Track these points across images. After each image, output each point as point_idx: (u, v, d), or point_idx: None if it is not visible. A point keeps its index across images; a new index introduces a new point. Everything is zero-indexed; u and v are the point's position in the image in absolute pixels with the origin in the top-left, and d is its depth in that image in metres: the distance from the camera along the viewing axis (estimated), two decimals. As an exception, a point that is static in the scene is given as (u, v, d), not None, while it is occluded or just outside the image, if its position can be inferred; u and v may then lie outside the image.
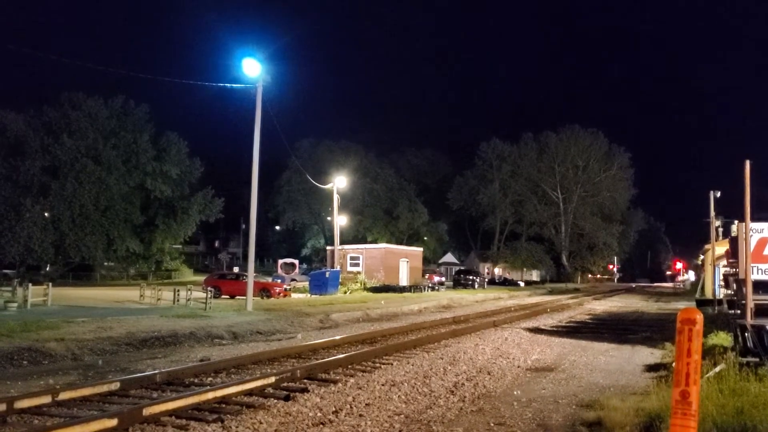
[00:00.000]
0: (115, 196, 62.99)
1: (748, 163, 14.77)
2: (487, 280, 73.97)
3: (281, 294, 37.32)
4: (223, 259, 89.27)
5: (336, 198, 50.50)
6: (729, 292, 25.48)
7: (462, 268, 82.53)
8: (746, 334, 13.34)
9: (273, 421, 8.38)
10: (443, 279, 70.57)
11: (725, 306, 25.49)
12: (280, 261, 57.88)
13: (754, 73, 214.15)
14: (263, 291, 36.55)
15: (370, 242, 73.79)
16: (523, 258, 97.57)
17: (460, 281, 64.48)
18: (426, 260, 77.35)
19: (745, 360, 11.79)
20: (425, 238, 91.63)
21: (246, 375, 11.70)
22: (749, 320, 13.79)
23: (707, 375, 10.13)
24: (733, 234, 23.04)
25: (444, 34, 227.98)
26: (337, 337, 17.58)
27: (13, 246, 57.18)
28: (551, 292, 61.98)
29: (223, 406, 9.16)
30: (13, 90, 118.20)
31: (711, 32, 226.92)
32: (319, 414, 8.85)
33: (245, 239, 62.64)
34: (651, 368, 13.89)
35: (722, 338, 14.46)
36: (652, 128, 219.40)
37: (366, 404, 9.54)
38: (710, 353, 12.53)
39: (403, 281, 55.92)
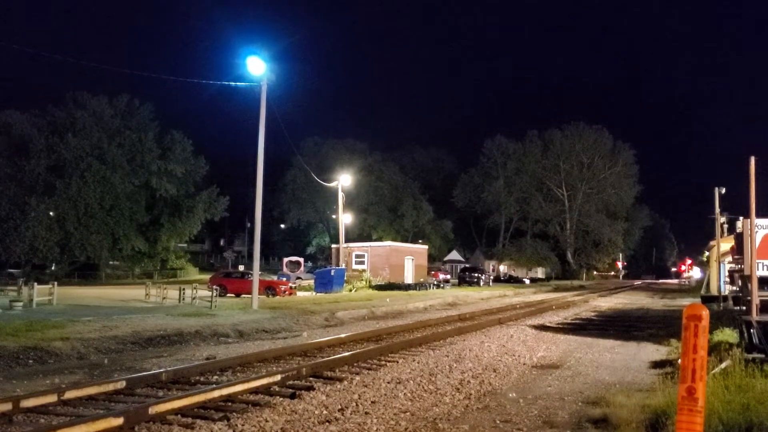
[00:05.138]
0: (120, 195, 63.10)
1: (753, 160, 14.75)
2: (492, 277, 73.86)
3: (286, 292, 37.36)
4: (229, 258, 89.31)
5: (341, 196, 50.54)
6: (734, 288, 25.46)
7: (467, 265, 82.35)
8: (752, 330, 13.33)
9: (279, 420, 8.38)
10: (448, 276, 70.41)
11: (730, 302, 25.48)
12: (285, 259, 57.93)
13: (759, 70, 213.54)
14: (268, 289, 36.60)
15: (375, 240, 73.72)
16: (528, 255, 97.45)
17: (465, 279, 64.38)
18: (431, 258, 77.21)
19: (750, 356, 11.76)
20: (430, 236, 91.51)
21: (252, 373, 11.72)
22: (755, 316, 13.78)
23: (713, 371, 10.11)
24: (738, 230, 22.97)
25: (448, 32, 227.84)
26: (343, 335, 17.60)
27: (19, 245, 57.39)
28: (556, 290, 61.90)
29: (229, 404, 9.17)
30: (17, 90, 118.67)
31: (713, 29, 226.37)
32: (325, 412, 8.86)
33: (250, 238, 62.63)
34: (657, 365, 13.87)
35: (728, 335, 14.42)
36: (657, 125, 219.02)
37: (372, 402, 9.55)
38: (716, 350, 12.50)
39: (409, 279, 55.84)
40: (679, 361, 5.03)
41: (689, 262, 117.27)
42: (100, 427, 7.38)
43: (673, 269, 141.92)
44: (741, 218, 21.29)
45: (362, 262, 53.49)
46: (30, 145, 60.45)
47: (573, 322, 25.40)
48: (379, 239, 76.23)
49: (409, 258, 58.57)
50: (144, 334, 16.92)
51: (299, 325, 21.78)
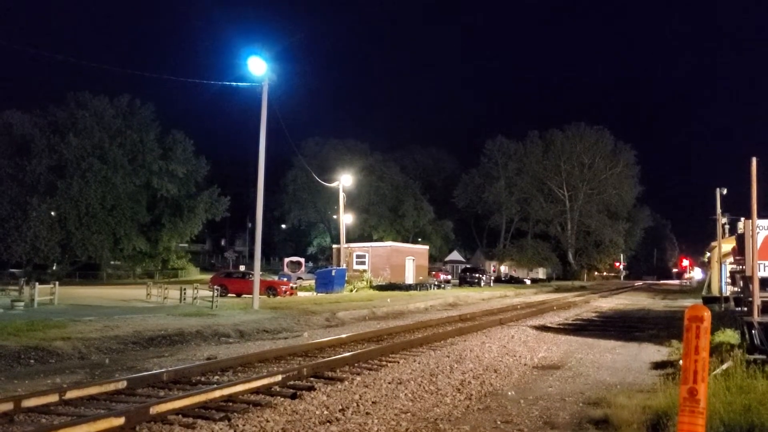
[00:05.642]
0: (122, 195, 63.17)
1: (754, 160, 14.74)
2: (493, 278, 73.88)
3: (287, 292, 37.36)
4: (230, 258, 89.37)
5: (342, 196, 50.51)
6: (736, 289, 25.43)
7: (468, 266, 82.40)
8: (753, 331, 13.32)
9: (280, 420, 8.39)
10: (449, 277, 70.43)
11: (732, 303, 25.43)
12: (287, 259, 57.90)
13: (759, 70, 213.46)
14: (270, 289, 36.61)
15: (376, 240, 73.73)
16: (529, 256, 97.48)
17: (466, 279, 64.38)
18: (432, 258, 77.25)
19: (752, 357, 11.75)
20: (431, 237, 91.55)
21: (253, 373, 11.72)
22: (756, 317, 13.77)
23: (714, 372, 10.10)
24: (739, 231, 22.96)
25: (448, 32, 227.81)
26: (344, 336, 17.59)
27: (20, 245, 57.45)
28: (557, 290, 61.87)
29: (230, 404, 9.16)
30: (18, 89, 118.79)
31: (713, 29, 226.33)
32: (325, 412, 8.86)
33: (251, 238, 62.65)
34: (658, 366, 13.86)
35: (729, 336, 14.40)
36: (657, 125, 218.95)
37: (373, 402, 9.55)
38: (717, 351, 12.49)
39: (409, 279, 55.84)
40: (681, 362, 5.02)
41: (686, 262, 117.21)
42: (101, 426, 7.38)
43: (675, 270, 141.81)
44: (742, 219, 21.29)
45: (363, 263, 53.48)
46: (31, 145, 60.53)
47: (574, 322, 25.39)
48: (380, 239, 76.26)
49: (410, 258, 58.57)
50: (145, 333, 16.92)
51: (300, 325, 21.78)
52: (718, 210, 32.89)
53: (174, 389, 10.31)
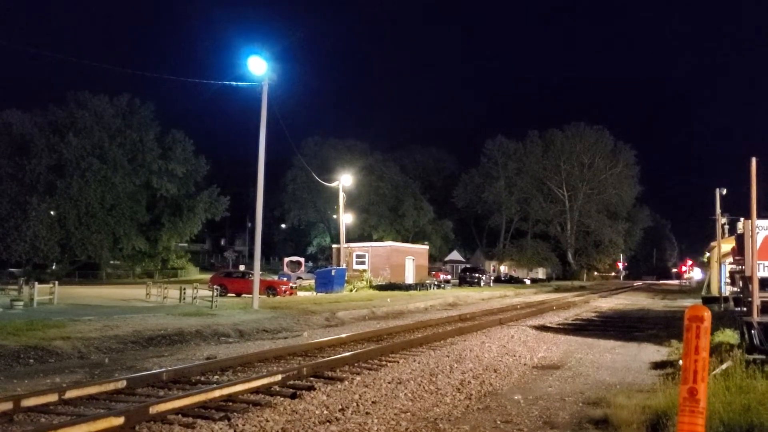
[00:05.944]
0: (121, 194, 63.15)
1: (754, 161, 14.73)
2: (492, 277, 73.80)
3: (287, 292, 37.35)
4: (229, 258, 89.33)
5: (341, 196, 50.51)
6: (735, 289, 25.42)
7: (468, 265, 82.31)
8: (752, 331, 13.32)
9: (280, 419, 8.39)
10: (449, 277, 70.44)
11: (731, 303, 25.43)
12: (286, 259, 57.86)
13: (759, 70, 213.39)
14: (269, 289, 36.60)
15: (376, 240, 73.70)
16: (529, 256, 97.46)
17: (465, 279, 64.33)
18: (432, 258, 77.22)
19: (751, 357, 11.74)
20: (431, 236, 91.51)
21: (252, 373, 11.72)
22: (755, 317, 13.76)
23: (714, 372, 10.10)
24: (739, 231, 22.96)
25: (448, 32, 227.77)
26: (344, 335, 17.59)
27: (20, 244, 57.41)
28: (557, 290, 61.82)
29: (230, 404, 9.16)
30: (18, 89, 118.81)
31: (713, 29, 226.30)
32: (325, 412, 8.86)
33: (251, 237, 62.68)
34: (657, 365, 13.86)
35: (729, 335, 14.40)
36: (657, 125, 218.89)
37: (372, 402, 9.55)
38: (717, 351, 12.48)
39: (409, 279, 55.84)
40: (680, 362, 5.03)
41: (690, 263, 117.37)
42: (100, 426, 7.38)
43: (674, 270, 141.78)
44: (742, 219, 21.29)
45: (363, 262, 53.47)
46: (31, 145, 60.49)
47: (574, 322, 25.39)
48: (380, 239, 76.23)
49: (410, 258, 58.55)
50: (145, 333, 16.92)
51: (300, 325, 21.78)
52: (718, 210, 32.85)
53: (174, 389, 10.31)
